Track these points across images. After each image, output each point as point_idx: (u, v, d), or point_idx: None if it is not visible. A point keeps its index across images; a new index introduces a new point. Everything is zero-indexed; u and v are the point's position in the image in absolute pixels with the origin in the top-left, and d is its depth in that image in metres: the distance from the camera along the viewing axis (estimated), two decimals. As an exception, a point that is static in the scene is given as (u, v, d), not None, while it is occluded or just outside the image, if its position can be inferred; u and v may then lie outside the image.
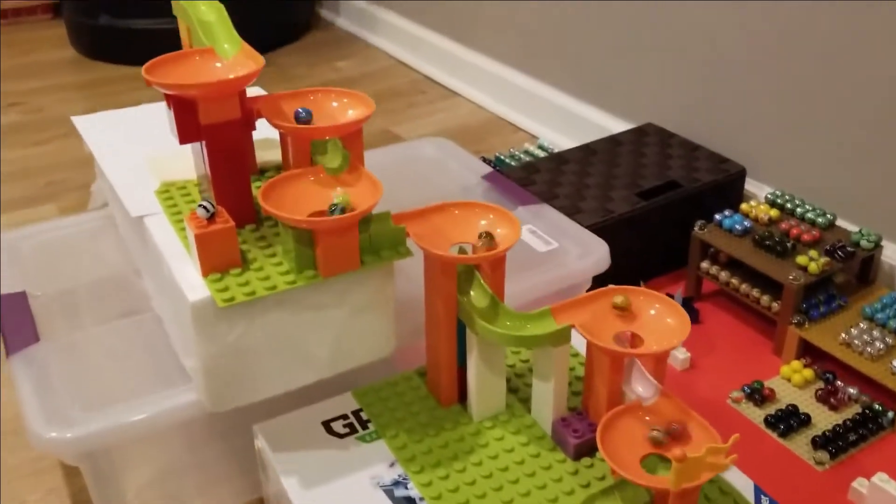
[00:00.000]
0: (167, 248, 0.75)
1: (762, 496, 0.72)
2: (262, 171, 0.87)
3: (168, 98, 0.72)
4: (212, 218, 0.69)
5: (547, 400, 0.77)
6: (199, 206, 0.69)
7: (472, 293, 0.76)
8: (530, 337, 0.73)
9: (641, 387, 0.75)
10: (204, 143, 0.73)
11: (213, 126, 0.72)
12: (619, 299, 0.74)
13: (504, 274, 0.77)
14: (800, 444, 0.93)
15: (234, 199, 0.75)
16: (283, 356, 0.74)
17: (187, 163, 0.84)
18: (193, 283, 0.69)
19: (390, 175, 0.76)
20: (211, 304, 0.68)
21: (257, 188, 0.78)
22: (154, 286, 0.86)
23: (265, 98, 0.79)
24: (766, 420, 0.96)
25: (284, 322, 0.72)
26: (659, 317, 0.76)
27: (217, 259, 0.69)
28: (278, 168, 0.87)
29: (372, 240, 0.73)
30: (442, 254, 0.73)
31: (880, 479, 0.84)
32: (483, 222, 0.76)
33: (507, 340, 0.74)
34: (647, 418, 0.73)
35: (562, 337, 0.74)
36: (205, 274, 0.69)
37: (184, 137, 0.73)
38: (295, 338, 0.73)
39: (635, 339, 0.76)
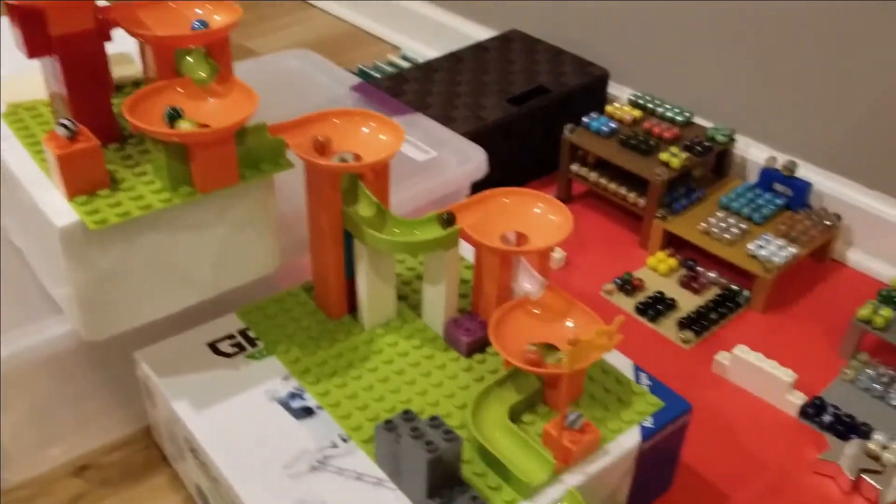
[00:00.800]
0: (24, 173, 0.70)
1: (640, 373, 0.77)
2: (119, 88, 0.81)
3: (12, 9, 0.65)
4: (73, 137, 0.64)
5: (438, 303, 0.78)
6: (59, 124, 0.63)
7: (357, 202, 0.76)
8: (421, 242, 0.74)
9: (528, 283, 0.77)
10: (56, 56, 0.67)
11: (66, 37, 0.66)
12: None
13: (388, 182, 0.77)
14: (668, 327, 1.00)
15: (94, 117, 0.69)
16: (163, 279, 0.71)
17: (36, 81, 0.77)
18: (59, 209, 0.65)
19: (254, 87, 0.73)
20: (80, 228, 0.64)
21: (117, 105, 0.73)
22: (11, 217, 0.79)
23: (120, 6, 0.73)
24: (636, 308, 1.02)
25: (162, 243, 0.69)
26: (542, 215, 0.78)
27: (83, 180, 0.65)
28: (136, 84, 0.82)
29: (250, 153, 0.70)
30: (326, 163, 0.71)
31: (740, 350, 0.92)
32: (365, 130, 0.75)
33: (398, 248, 0.74)
34: (535, 311, 0.76)
35: (451, 240, 0.74)
36: (70, 197, 0.65)
37: (32, 51, 0.67)
38: (174, 259, 0.70)
39: (521, 238, 0.79)
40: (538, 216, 0.77)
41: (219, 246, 0.72)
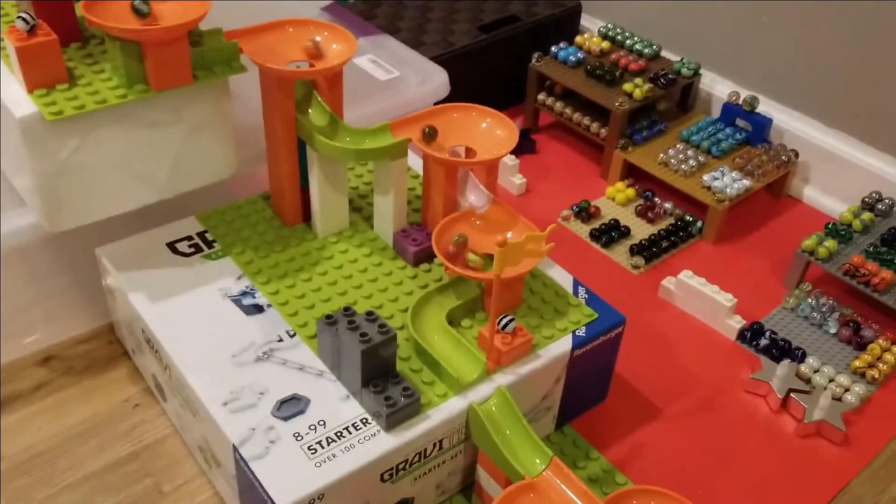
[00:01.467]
0: (-13, 68, 0.72)
1: (580, 287, 0.80)
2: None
3: None
4: (32, 31, 0.66)
5: (388, 213, 0.82)
6: (18, 17, 0.66)
7: (310, 111, 0.78)
8: (369, 150, 0.76)
9: (474, 196, 0.80)
10: (17, -47, 0.69)
11: (27, -66, 0.68)
12: (427, 129, 0.77)
13: (342, 92, 0.79)
14: (619, 253, 1.03)
15: (56, 16, 0.71)
16: (121, 175, 0.73)
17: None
18: (18, 100, 0.67)
19: (222, 6, 0.75)
20: (39, 119, 0.66)
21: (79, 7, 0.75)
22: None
23: None
24: (591, 234, 1.05)
25: (119, 139, 0.71)
26: (489, 129, 0.80)
27: (42, 74, 0.67)
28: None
29: (204, 55, 0.72)
30: (278, 68, 0.73)
31: (685, 275, 0.95)
32: (318, 38, 0.77)
33: (347, 155, 0.77)
34: (479, 223, 0.79)
35: (399, 150, 0.77)
36: (30, 89, 0.67)
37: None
38: (132, 156, 0.73)
39: (469, 153, 0.81)
40: (485, 130, 0.80)
41: (176, 146, 0.75)
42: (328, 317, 0.68)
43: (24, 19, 0.66)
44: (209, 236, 0.82)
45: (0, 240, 0.75)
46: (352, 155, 0.76)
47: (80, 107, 0.67)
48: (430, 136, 0.76)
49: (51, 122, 0.66)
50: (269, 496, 0.61)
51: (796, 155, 1.11)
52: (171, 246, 0.81)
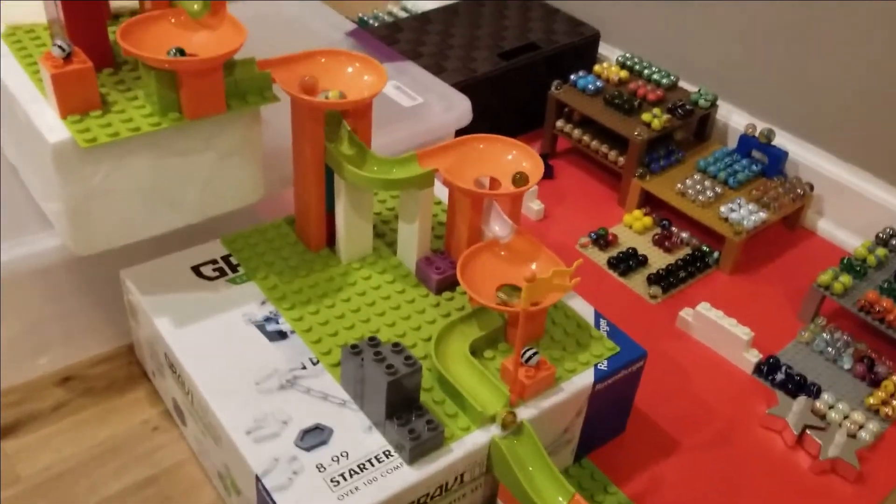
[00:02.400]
0: (21, 92, 0.72)
1: (601, 319, 0.81)
2: (116, 17, 0.84)
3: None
4: (68, 58, 0.67)
5: (412, 240, 0.82)
6: (55, 45, 0.66)
7: (339, 140, 0.79)
8: (397, 180, 0.77)
9: (498, 226, 0.81)
10: (54, -20, 0.70)
11: (64, -38, 0.69)
12: (517, 175, 0.78)
13: (371, 121, 0.80)
14: (637, 282, 1.04)
15: (90, 41, 0.72)
16: (150, 201, 0.74)
17: (35, 7, 0.79)
18: (52, 125, 0.68)
19: (250, 31, 0.76)
20: (72, 145, 0.67)
21: (113, 33, 0.76)
22: (7, 133, 0.82)
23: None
24: (608, 262, 1.06)
25: (150, 166, 0.72)
26: (515, 161, 0.81)
27: (75, 100, 0.68)
28: (133, 13, 0.84)
29: (238, 84, 0.73)
30: (310, 99, 0.74)
31: (703, 307, 0.96)
32: (349, 70, 0.78)
33: (375, 184, 0.77)
34: (503, 254, 0.80)
35: (426, 180, 0.78)
36: (63, 115, 0.68)
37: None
38: (161, 182, 0.73)
39: (494, 183, 0.82)
40: (511, 163, 0.80)
41: (205, 173, 0.76)
42: (353, 346, 0.69)
43: (60, 47, 0.66)
44: (233, 260, 0.83)
45: (24, 262, 0.75)
46: (380, 184, 0.76)
47: (115, 134, 0.67)
48: (520, 182, 0.77)
49: (84, 149, 0.67)
50: (293, 527, 0.61)
51: (811, 188, 1.12)
52: (196, 269, 0.81)
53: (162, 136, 0.70)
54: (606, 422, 0.82)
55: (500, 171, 0.81)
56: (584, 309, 0.82)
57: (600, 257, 1.07)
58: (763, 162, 1.14)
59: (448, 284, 0.82)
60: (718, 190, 1.10)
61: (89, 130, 0.67)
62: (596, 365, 0.76)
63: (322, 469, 0.65)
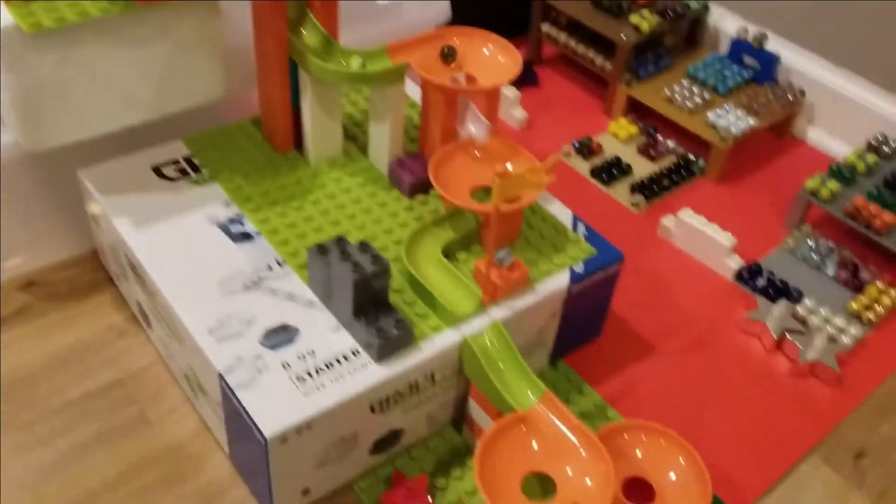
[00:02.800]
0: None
1: (579, 223, 0.78)
2: None
3: None
4: (8, -64, 0.63)
5: (383, 141, 0.79)
6: (-9, -80, 0.62)
7: (303, 31, 0.75)
8: (365, 74, 0.73)
9: (474, 126, 0.77)
10: None
11: None
12: (445, 49, 0.74)
13: (337, 12, 0.76)
14: (620, 191, 1.01)
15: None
16: (104, 93, 0.70)
17: None
18: (-6, 11, 0.64)
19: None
20: (16, 32, 0.63)
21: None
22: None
23: None
24: (591, 170, 1.03)
25: (102, 56, 0.68)
26: (492, 56, 0.77)
27: (18, -17, 0.64)
28: None
29: (193, -31, 0.69)
30: (269, -16, 0.70)
31: (685, 214, 0.93)
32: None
33: (342, 78, 0.73)
34: (478, 154, 0.77)
35: (397, 75, 0.74)
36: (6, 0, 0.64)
37: None
38: (115, 73, 0.70)
39: (470, 80, 0.78)
40: (488, 58, 0.77)
41: (162, 65, 0.72)
42: (319, 246, 0.66)
43: (-2, -79, 0.62)
44: (196, 161, 0.79)
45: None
46: (346, 78, 0.73)
47: (60, 19, 0.63)
48: (449, 56, 0.72)
49: (29, 36, 0.63)
50: (255, 425, 0.60)
51: (803, 94, 1.08)
52: (157, 170, 0.78)
53: (112, 23, 0.66)
54: (582, 325, 0.81)
55: (476, 67, 0.77)
56: (561, 212, 0.79)
57: (583, 166, 1.04)
58: (754, 68, 1.10)
59: (421, 187, 0.79)
60: (707, 96, 1.06)
61: (33, 15, 0.63)
62: (571, 267, 0.74)
63: (287, 367, 0.64)
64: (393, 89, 0.74)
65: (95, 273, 0.84)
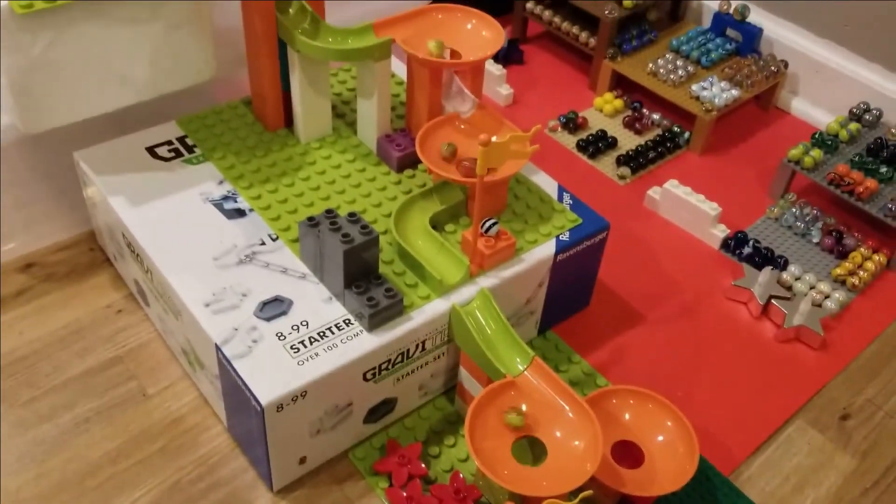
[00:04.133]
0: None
1: (564, 193, 0.80)
2: None
3: None
4: (-3, -80, 0.64)
5: (371, 117, 0.80)
6: None
7: (290, 10, 0.76)
8: (352, 50, 0.75)
9: (459, 100, 0.79)
10: None
11: None
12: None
13: (323, -10, 0.77)
14: (606, 164, 1.03)
15: None
16: (98, 74, 0.71)
17: None
18: (-15, -7, 0.65)
19: None
20: (9, 13, 0.64)
21: None
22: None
23: None
24: (577, 144, 1.04)
25: (95, 36, 0.69)
26: (475, 31, 0.79)
27: (9, -35, 0.65)
28: None
29: (180, -50, 0.70)
30: (255, -36, 0.71)
31: (671, 184, 0.95)
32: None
33: (329, 55, 0.75)
34: (463, 128, 0.78)
35: (382, 50, 0.75)
36: (-3, -17, 0.65)
37: None
38: (109, 54, 0.71)
39: (454, 55, 0.79)
40: (471, 33, 0.78)
41: (155, 45, 0.73)
42: (310, 219, 0.68)
43: None
44: (189, 141, 0.81)
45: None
46: (334, 55, 0.74)
47: None
48: (449, 153, 0.75)
49: (21, 16, 0.64)
50: (252, 394, 0.61)
51: (786, 65, 1.09)
52: (151, 150, 0.79)
53: (105, 3, 0.67)
54: (570, 295, 0.83)
55: (460, 43, 0.78)
56: (547, 183, 0.81)
57: (569, 140, 1.05)
58: (737, 40, 1.12)
59: (410, 162, 0.81)
60: (691, 69, 1.07)
61: (25, -3, 0.65)
62: (558, 236, 0.76)
63: (282, 337, 0.65)
64: (379, 65, 0.75)
65: (93, 254, 0.86)
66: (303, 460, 0.68)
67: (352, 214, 0.66)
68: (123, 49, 0.71)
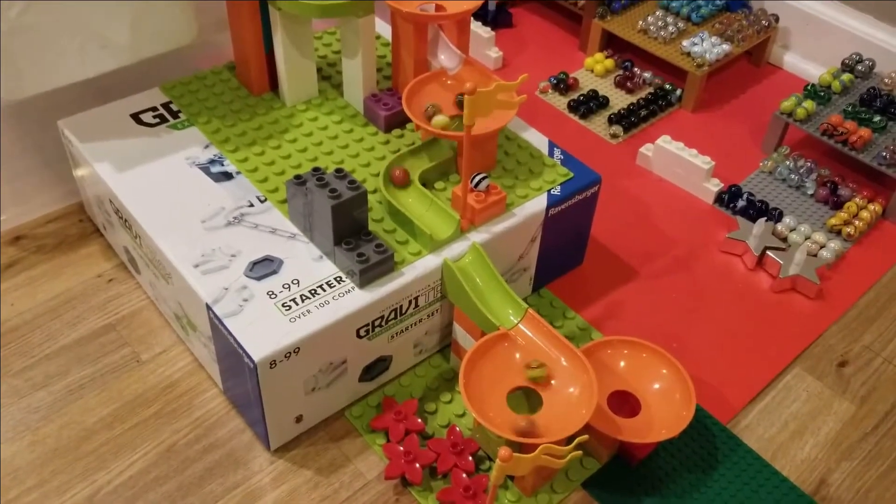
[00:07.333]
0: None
1: (555, 149, 0.79)
2: None
3: None
4: None
5: (357, 77, 0.79)
6: None
7: (271, -32, 0.75)
8: (334, 6, 0.74)
9: (445, 56, 0.78)
10: None
11: None
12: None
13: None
14: (598, 124, 1.02)
15: None
16: (78, 39, 0.71)
17: None
18: (-41, -44, 0.64)
19: None
20: (-17, -23, 0.64)
21: None
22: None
23: None
24: (569, 105, 1.03)
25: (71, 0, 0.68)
26: (458, -15, 0.78)
27: (-18, -73, 0.64)
28: None
29: None
30: (233, -80, 0.70)
31: (663, 140, 0.94)
32: None
33: (310, 10, 0.74)
34: (450, 84, 0.77)
35: (366, 6, 0.74)
36: (-29, -55, 0.64)
37: None
38: (87, 18, 0.70)
39: (439, 9, 0.78)
40: (455, -14, 0.77)
41: (133, 8, 0.72)
42: (297, 177, 0.67)
43: None
44: (174, 107, 0.80)
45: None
46: (315, 11, 0.73)
47: (25, -40, 0.64)
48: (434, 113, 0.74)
49: (-4, -21, 0.63)
50: (244, 351, 0.61)
51: (776, 19, 1.08)
52: (136, 117, 0.79)
53: (79, -35, 0.67)
54: (563, 251, 0.82)
55: (444, -3, 0.77)
56: (537, 139, 0.80)
57: (560, 101, 1.04)
58: (727, -5, 1.11)
59: (398, 122, 0.80)
60: (681, 25, 1.06)
61: (-1, -41, 0.64)
62: (549, 191, 0.75)
63: (273, 296, 0.65)
64: (363, 21, 0.74)
65: (82, 225, 0.85)
66: (299, 419, 0.68)
67: (339, 170, 0.66)
68: (101, 13, 0.70)
